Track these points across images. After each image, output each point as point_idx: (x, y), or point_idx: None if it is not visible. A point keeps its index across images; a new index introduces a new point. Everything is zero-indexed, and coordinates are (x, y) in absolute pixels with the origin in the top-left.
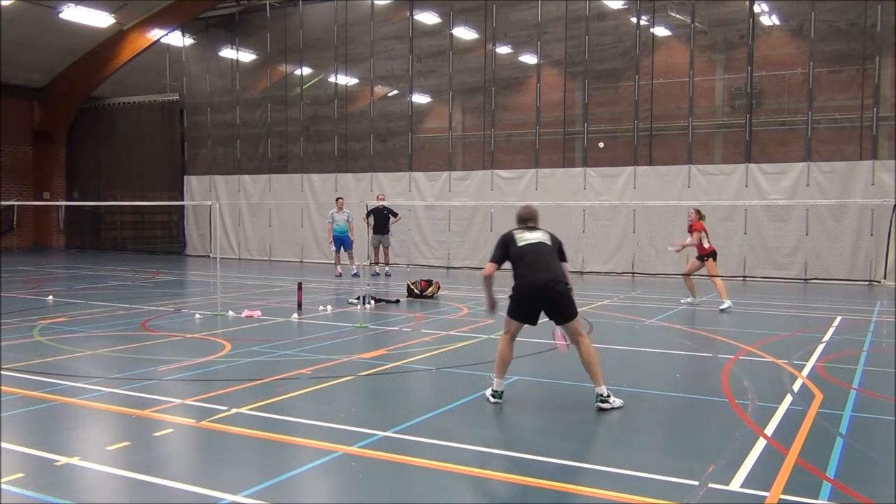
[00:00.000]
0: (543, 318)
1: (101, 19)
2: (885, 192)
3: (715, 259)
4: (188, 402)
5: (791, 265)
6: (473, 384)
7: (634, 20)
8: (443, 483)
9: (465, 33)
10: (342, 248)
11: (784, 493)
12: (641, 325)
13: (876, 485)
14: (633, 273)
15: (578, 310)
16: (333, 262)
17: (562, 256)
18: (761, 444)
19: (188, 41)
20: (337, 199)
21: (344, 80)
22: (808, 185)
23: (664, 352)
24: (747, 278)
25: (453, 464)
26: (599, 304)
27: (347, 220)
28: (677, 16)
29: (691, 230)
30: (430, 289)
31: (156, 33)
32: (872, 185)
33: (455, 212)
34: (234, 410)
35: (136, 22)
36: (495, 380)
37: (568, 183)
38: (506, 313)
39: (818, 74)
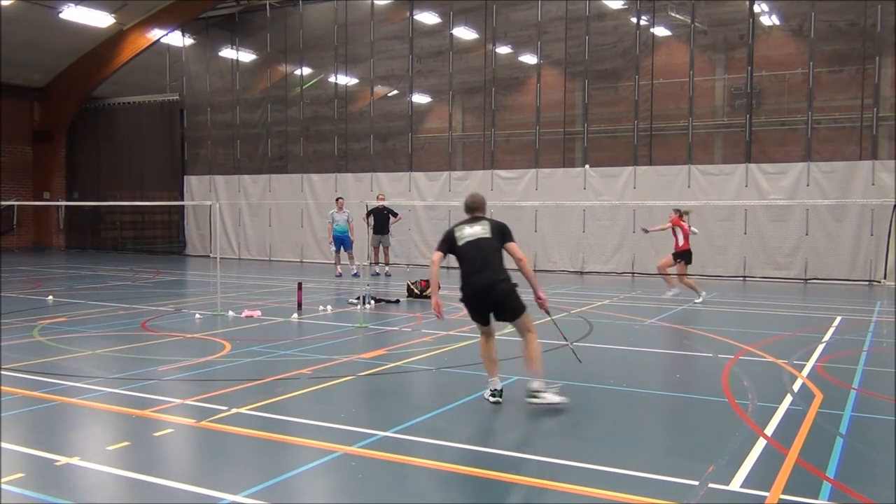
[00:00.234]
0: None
1: (101, 19)
2: (885, 192)
3: (688, 262)
4: (188, 402)
5: (791, 265)
6: (473, 384)
7: (634, 20)
8: (443, 483)
9: (465, 33)
10: (342, 248)
11: (784, 493)
12: (641, 325)
13: (876, 485)
14: (633, 273)
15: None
16: (333, 262)
17: (506, 239)
18: (761, 444)
19: (188, 41)
20: (337, 199)
21: (344, 80)
22: (808, 185)
23: (664, 352)
24: (747, 278)
25: (453, 464)
26: (599, 304)
27: (347, 220)
28: (677, 16)
29: (676, 225)
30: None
31: (156, 33)
32: (872, 185)
33: (455, 212)
34: (234, 410)
35: (136, 22)
36: (489, 379)
37: (568, 183)
38: None
39: (818, 74)
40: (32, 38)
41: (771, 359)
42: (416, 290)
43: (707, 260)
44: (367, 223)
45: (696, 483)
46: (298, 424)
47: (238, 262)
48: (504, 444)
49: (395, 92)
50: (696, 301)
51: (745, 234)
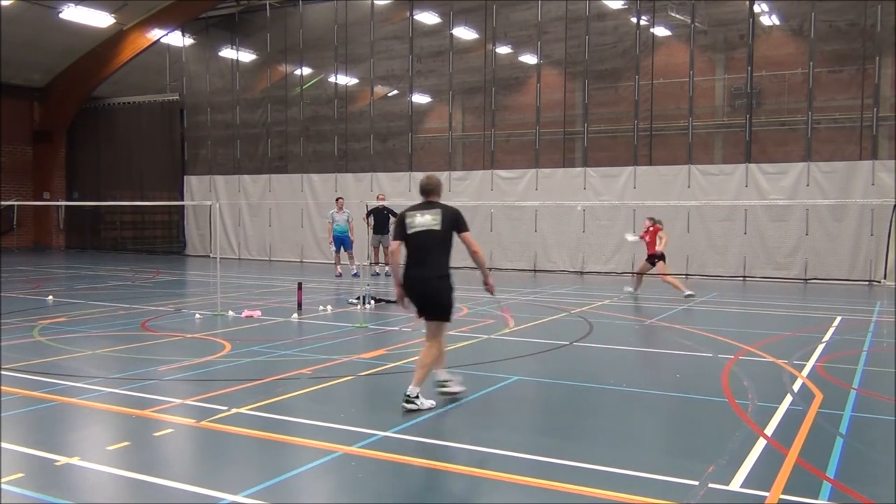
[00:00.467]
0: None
1: (101, 19)
2: (885, 192)
3: (664, 261)
4: (188, 402)
5: (791, 265)
6: (473, 384)
7: (634, 20)
8: (443, 483)
9: (465, 33)
10: (342, 248)
11: (784, 493)
12: (641, 325)
13: (876, 485)
14: (633, 273)
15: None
16: (333, 262)
17: (460, 229)
18: (761, 444)
19: (188, 41)
20: (337, 199)
21: (344, 80)
22: (808, 185)
23: (664, 352)
24: (747, 278)
25: (453, 464)
26: (599, 304)
27: (347, 220)
28: (677, 16)
29: (647, 234)
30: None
31: (156, 33)
32: (872, 185)
33: None
34: (234, 410)
35: (136, 22)
36: (435, 372)
37: (568, 183)
38: None
39: (818, 74)
40: (32, 38)
41: (771, 359)
42: None
43: (707, 260)
44: (367, 223)
45: (696, 483)
46: (298, 424)
47: (238, 262)
48: (504, 444)
49: (395, 92)
50: (686, 295)
51: (745, 234)
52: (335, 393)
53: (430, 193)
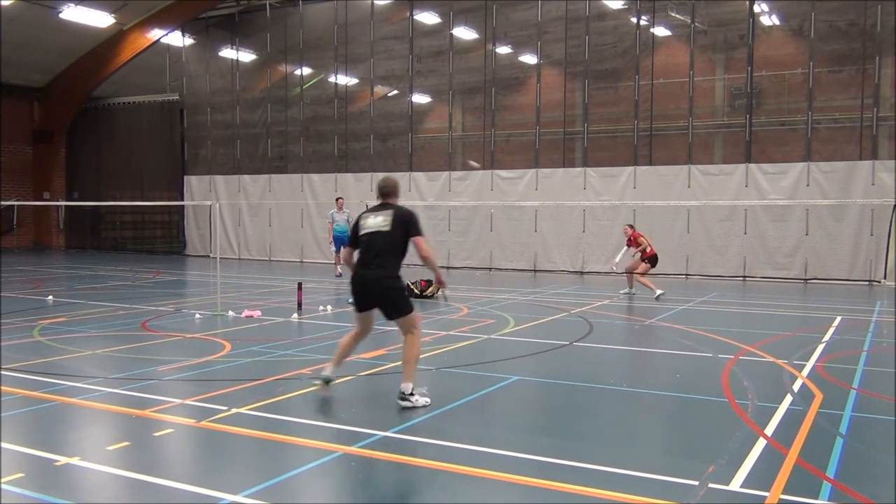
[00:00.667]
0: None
1: (101, 19)
2: (885, 192)
3: (654, 266)
4: (188, 402)
5: (791, 265)
6: (473, 384)
7: (634, 20)
8: (443, 483)
9: (465, 33)
10: (342, 248)
11: (784, 493)
12: (641, 325)
13: (876, 485)
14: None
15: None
16: (333, 262)
17: (411, 233)
18: (761, 444)
19: (188, 41)
20: (337, 199)
21: (344, 80)
22: (808, 185)
23: (664, 352)
24: (747, 278)
25: (453, 464)
26: (599, 304)
27: (347, 220)
28: (677, 16)
29: (633, 243)
30: (430, 289)
31: (156, 33)
32: (872, 185)
33: (455, 212)
34: (234, 410)
35: (136, 22)
36: (328, 364)
37: (568, 183)
38: None
39: (818, 74)
40: (32, 38)
41: (771, 359)
42: (416, 291)
43: (707, 260)
44: None
45: (696, 483)
46: (298, 424)
47: (238, 262)
48: (504, 443)
49: (395, 92)
50: (656, 295)
51: (745, 234)
52: (335, 393)
53: (387, 195)
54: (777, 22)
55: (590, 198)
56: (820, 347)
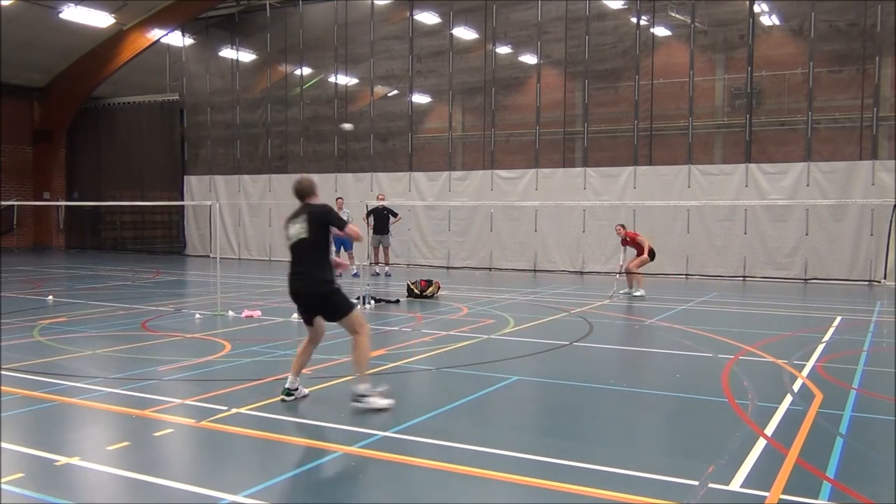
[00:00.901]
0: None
1: (101, 19)
2: (885, 192)
3: (652, 260)
4: (188, 402)
5: (791, 265)
6: (473, 384)
7: (634, 20)
8: (443, 483)
9: (465, 33)
10: (342, 249)
11: (784, 493)
12: (641, 325)
13: (876, 485)
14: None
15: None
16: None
17: (335, 225)
18: (761, 444)
19: (188, 41)
20: (337, 200)
21: (344, 80)
22: (808, 185)
23: (664, 352)
24: (747, 278)
25: (453, 464)
26: (599, 304)
27: (347, 220)
28: (677, 16)
29: (630, 242)
30: (430, 289)
31: (156, 33)
32: (872, 185)
33: (455, 212)
34: (234, 410)
35: (136, 22)
36: (289, 375)
37: (568, 183)
38: None
39: (818, 74)
40: (32, 38)
41: (771, 359)
42: (416, 290)
43: (707, 260)
44: (367, 223)
45: (696, 483)
46: (298, 424)
47: (238, 262)
48: (504, 443)
49: (395, 92)
50: (636, 294)
51: (745, 234)
52: (335, 393)
53: (303, 196)
54: (777, 22)
55: (590, 198)
56: (820, 347)
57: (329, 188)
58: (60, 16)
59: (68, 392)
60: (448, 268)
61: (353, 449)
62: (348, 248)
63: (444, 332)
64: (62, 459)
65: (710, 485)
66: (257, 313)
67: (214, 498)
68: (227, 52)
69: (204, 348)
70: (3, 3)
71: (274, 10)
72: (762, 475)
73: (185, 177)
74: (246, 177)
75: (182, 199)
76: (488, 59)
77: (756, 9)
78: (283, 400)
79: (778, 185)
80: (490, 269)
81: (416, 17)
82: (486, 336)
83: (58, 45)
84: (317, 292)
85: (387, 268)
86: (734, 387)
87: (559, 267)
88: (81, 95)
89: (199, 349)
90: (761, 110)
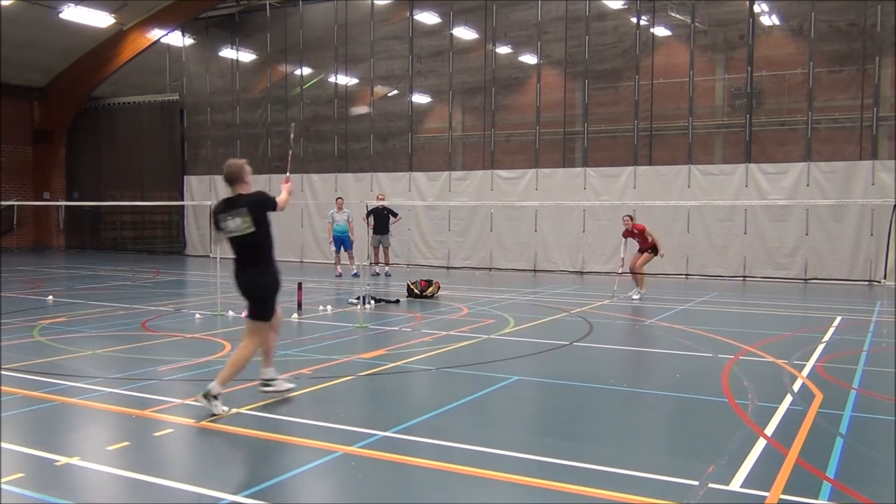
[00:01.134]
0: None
1: (101, 19)
2: (885, 192)
3: (655, 255)
4: (188, 402)
5: (791, 265)
6: (473, 384)
7: (634, 20)
8: (443, 483)
9: (465, 33)
10: (342, 248)
11: (784, 493)
12: (641, 325)
13: (876, 485)
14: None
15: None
16: (333, 262)
17: (271, 209)
18: (761, 444)
19: (188, 41)
20: (337, 199)
21: (344, 80)
22: (808, 185)
23: (664, 352)
24: (747, 278)
25: (453, 464)
26: (599, 304)
27: (347, 220)
28: (677, 16)
29: (635, 235)
30: (430, 289)
31: (156, 33)
32: (872, 185)
33: (455, 212)
34: (234, 410)
35: (136, 22)
36: (263, 368)
37: (568, 183)
38: None
39: (818, 74)
40: (32, 38)
41: (771, 359)
42: (416, 290)
43: (707, 260)
44: (367, 223)
45: (696, 483)
46: (298, 424)
47: None
48: (504, 443)
49: (395, 92)
50: (634, 297)
51: (745, 234)
52: (335, 393)
53: (233, 182)
54: (777, 22)
55: (590, 198)
56: (820, 347)
57: (329, 188)
58: (60, 16)
59: (68, 392)
60: (448, 268)
61: (353, 449)
62: (348, 247)
63: (444, 332)
64: (62, 459)
65: (710, 485)
66: None
67: (214, 498)
68: (227, 52)
69: (204, 348)
70: (4, 3)
71: (274, 10)
72: (762, 475)
73: (185, 177)
74: None
75: (182, 199)
76: (488, 59)
77: (756, 9)
78: (260, 391)
79: (778, 185)
80: (490, 269)
81: (416, 17)
82: (486, 336)
83: (58, 45)
84: (256, 285)
85: (387, 268)
86: (734, 387)
87: (559, 267)
88: (81, 95)
89: (199, 349)
90: (761, 110)
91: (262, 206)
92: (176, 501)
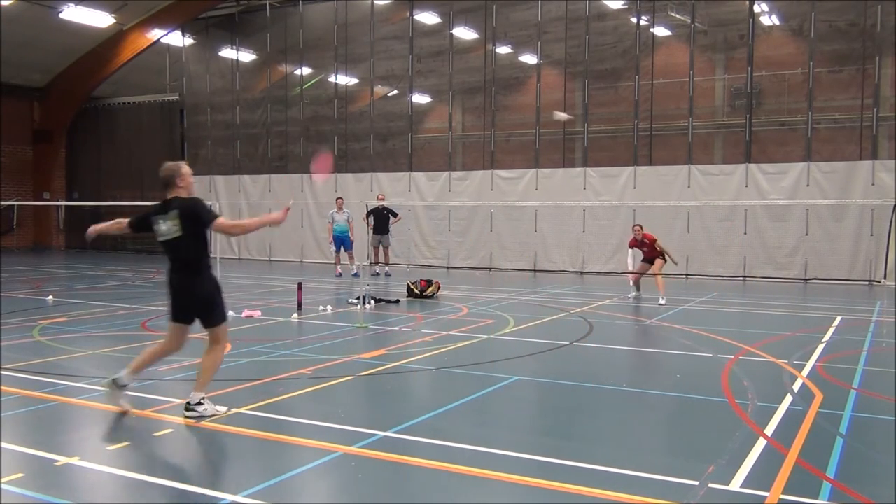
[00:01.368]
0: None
1: (101, 19)
2: (885, 192)
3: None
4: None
5: (791, 265)
6: (473, 384)
7: (634, 20)
8: (443, 483)
9: (465, 33)
10: (342, 248)
11: (784, 493)
12: (641, 325)
13: (876, 485)
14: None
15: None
16: (333, 262)
17: (206, 223)
18: (761, 444)
19: (188, 41)
20: (337, 199)
21: (344, 80)
22: (808, 185)
23: (664, 352)
24: (747, 278)
25: (453, 464)
26: (599, 304)
27: (347, 220)
28: (677, 16)
29: (649, 244)
30: (430, 289)
31: (156, 33)
32: (872, 185)
33: (455, 212)
34: (234, 410)
35: (136, 22)
36: (124, 370)
37: (568, 183)
38: None
39: (818, 74)
40: (32, 38)
41: (771, 359)
42: (416, 290)
43: (707, 260)
44: (367, 223)
45: (696, 483)
46: (298, 424)
47: (238, 262)
48: (504, 443)
49: (395, 92)
50: (629, 296)
51: (745, 234)
52: (335, 393)
53: (167, 185)
54: (777, 22)
55: (590, 198)
56: (820, 347)
57: (329, 188)
58: (60, 16)
59: (68, 392)
60: (448, 268)
61: (353, 449)
62: (348, 247)
63: (444, 332)
64: (62, 459)
65: (710, 485)
66: (257, 313)
67: (214, 498)
68: (227, 52)
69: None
70: (4, 3)
71: (274, 10)
72: (762, 475)
73: None
74: (246, 177)
75: None
76: (488, 59)
77: (756, 9)
78: (107, 391)
79: (778, 185)
80: (490, 269)
81: (416, 17)
82: (486, 336)
83: (58, 45)
84: (198, 293)
85: (387, 268)
86: (734, 387)
87: (559, 267)
88: (81, 95)
89: (199, 349)
90: (761, 110)
91: (193, 216)
92: (176, 501)
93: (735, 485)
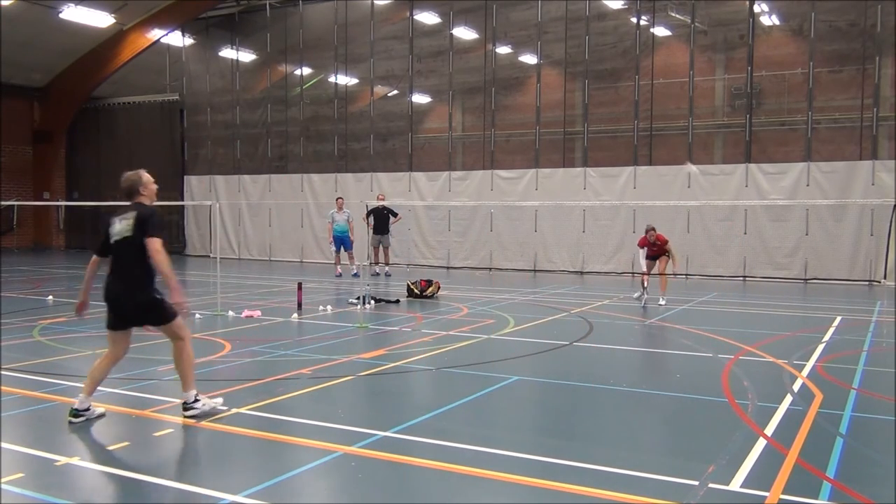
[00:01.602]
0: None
1: (101, 19)
2: (885, 192)
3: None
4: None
5: (791, 265)
6: (473, 384)
7: (634, 20)
8: (443, 483)
9: (465, 33)
10: (342, 248)
11: (784, 493)
12: (641, 325)
13: (876, 485)
14: (633, 273)
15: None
16: (333, 262)
17: (145, 232)
18: (761, 444)
19: (188, 41)
20: (337, 199)
21: (344, 80)
22: (808, 185)
23: (664, 352)
24: (747, 278)
25: (453, 464)
26: (599, 304)
27: (347, 220)
28: (677, 16)
29: (659, 247)
30: (430, 289)
31: (156, 33)
32: (872, 185)
33: (455, 212)
34: (234, 410)
35: (136, 22)
36: (80, 395)
37: (568, 183)
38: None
39: (818, 74)
40: (32, 38)
41: (771, 359)
42: (416, 290)
43: (707, 260)
44: (367, 223)
45: (696, 483)
46: (298, 424)
47: (238, 262)
48: (504, 443)
49: (395, 92)
50: (635, 296)
51: (745, 234)
52: (335, 393)
53: (130, 195)
54: (777, 22)
55: (590, 198)
56: (820, 347)
57: (329, 188)
58: (60, 16)
59: (68, 392)
60: (448, 268)
61: (353, 449)
62: (348, 247)
63: (444, 332)
64: (62, 459)
65: (710, 485)
66: (257, 313)
67: (214, 498)
68: (227, 52)
69: (204, 348)
70: (4, 3)
71: (274, 10)
72: (762, 475)
73: (185, 177)
74: (246, 177)
75: (182, 199)
76: (488, 59)
77: (756, 9)
78: (70, 422)
79: (778, 185)
80: (490, 269)
81: (416, 17)
82: (486, 336)
83: (58, 45)
84: (139, 302)
85: (387, 268)
86: (734, 387)
87: (559, 267)
88: (81, 95)
89: (199, 349)
90: (761, 110)
91: (144, 218)
92: (176, 501)
93: (735, 485)
